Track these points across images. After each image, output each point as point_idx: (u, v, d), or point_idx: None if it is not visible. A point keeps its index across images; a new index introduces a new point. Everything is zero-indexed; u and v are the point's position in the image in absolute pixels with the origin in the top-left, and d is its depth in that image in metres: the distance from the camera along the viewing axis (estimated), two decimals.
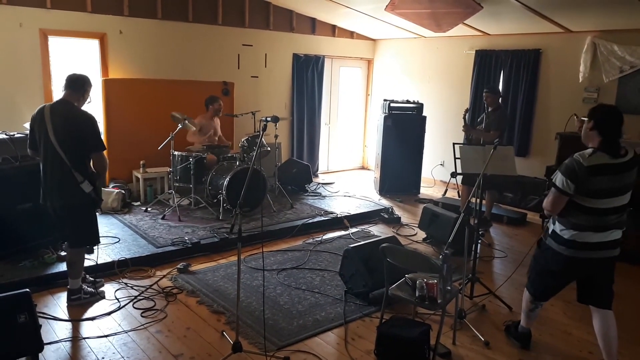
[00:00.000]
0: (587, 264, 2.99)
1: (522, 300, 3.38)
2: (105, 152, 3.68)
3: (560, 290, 3.19)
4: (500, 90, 7.00)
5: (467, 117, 6.15)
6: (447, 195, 7.02)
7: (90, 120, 3.57)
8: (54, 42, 6.08)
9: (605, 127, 2.87)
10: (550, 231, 3.07)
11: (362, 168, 9.90)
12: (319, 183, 8.03)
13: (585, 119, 3.02)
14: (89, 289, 3.94)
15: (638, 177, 2.94)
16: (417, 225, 5.89)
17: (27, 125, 3.79)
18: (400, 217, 6.42)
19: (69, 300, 3.81)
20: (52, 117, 3.50)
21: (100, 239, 4.89)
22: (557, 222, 3.02)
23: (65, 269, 3.97)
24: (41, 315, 3.56)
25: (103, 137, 6.34)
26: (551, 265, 3.09)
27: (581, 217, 2.90)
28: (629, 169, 2.87)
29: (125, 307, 3.83)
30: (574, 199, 2.88)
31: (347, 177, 8.99)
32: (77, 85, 3.61)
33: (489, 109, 5.92)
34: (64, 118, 3.51)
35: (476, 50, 7.73)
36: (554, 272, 3.10)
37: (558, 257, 3.01)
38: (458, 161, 4.33)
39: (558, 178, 2.90)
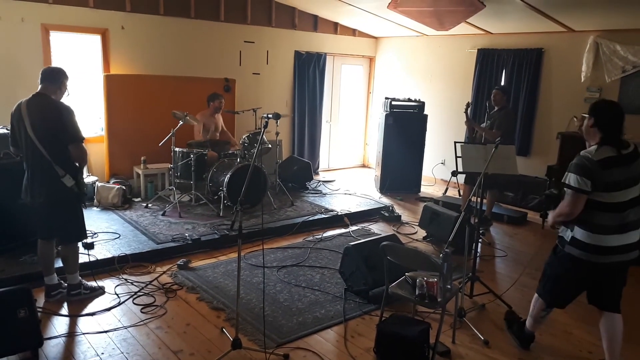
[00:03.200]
0: (607, 268, 2.91)
1: (532, 305, 3.32)
2: (83, 143, 3.58)
3: (577, 296, 3.10)
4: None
5: (469, 111, 6.04)
6: (448, 194, 7.02)
7: (66, 110, 3.50)
8: (55, 37, 6.07)
9: (605, 123, 2.86)
10: (569, 238, 2.95)
11: (363, 166, 9.89)
12: (319, 181, 8.03)
13: (586, 115, 2.99)
14: (89, 284, 3.94)
15: None
16: (417, 224, 5.89)
17: None
18: (400, 216, 6.41)
19: (69, 295, 3.81)
20: (28, 111, 3.45)
21: (99, 234, 4.99)
22: (576, 228, 2.92)
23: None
24: (41, 310, 3.56)
25: (104, 132, 6.44)
26: (570, 272, 3.00)
27: (603, 216, 2.82)
28: (635, 160, 2.86)
29: (125, 303, 3.83)
30: (592, 197, 2.81)
31: (347, 175, 8.98)
32: (52, 77, 3.55)
33: (495, 109, 5.90)
34: (40, 111, 3.46)
35: (478, 49, 7.71)
36: (572, 279, 3.02)
37: (578, 263, 2.92)
38: (459, 160, 4.32)
39: (571, 178, 2.82)
